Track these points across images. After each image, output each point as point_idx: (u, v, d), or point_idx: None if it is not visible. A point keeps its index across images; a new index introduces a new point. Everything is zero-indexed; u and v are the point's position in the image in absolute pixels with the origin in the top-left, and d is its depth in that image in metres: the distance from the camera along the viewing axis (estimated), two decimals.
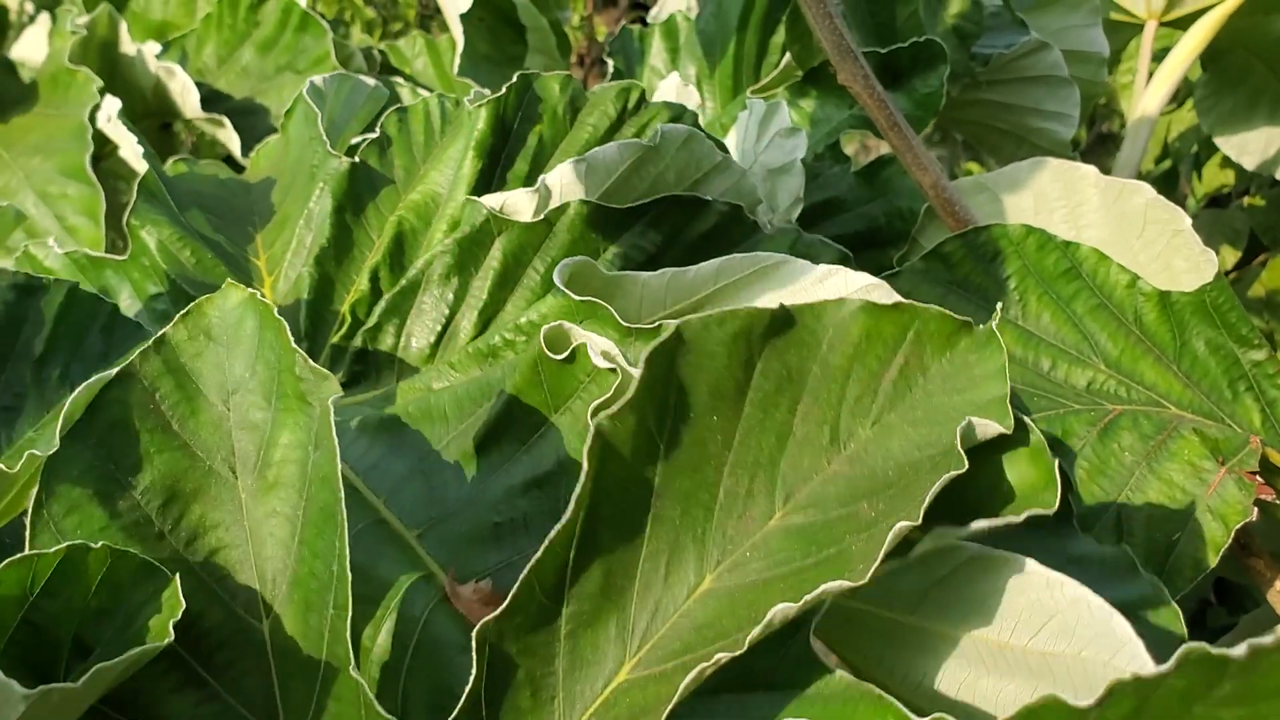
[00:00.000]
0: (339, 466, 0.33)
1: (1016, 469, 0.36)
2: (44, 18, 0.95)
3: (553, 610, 0.34)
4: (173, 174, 0.70)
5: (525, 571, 0.33)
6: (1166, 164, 1.24)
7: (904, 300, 0.37)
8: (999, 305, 0.39)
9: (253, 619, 0.34)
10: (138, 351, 0.35)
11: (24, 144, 0.73)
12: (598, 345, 0.43)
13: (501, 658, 0.33)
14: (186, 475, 0.34)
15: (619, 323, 0.50)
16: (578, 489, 0.33)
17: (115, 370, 0.34)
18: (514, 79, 0.63)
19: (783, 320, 0.36)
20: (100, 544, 0.31)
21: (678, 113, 0.64)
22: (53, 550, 0.30)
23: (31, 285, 0.41)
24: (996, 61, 0.78)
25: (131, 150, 0.66)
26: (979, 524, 0.34)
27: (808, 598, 0.31)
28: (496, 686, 0.33)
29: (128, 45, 0.82)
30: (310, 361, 0.34)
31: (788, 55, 0.77)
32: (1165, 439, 0.59)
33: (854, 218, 0.74)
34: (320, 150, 0.64)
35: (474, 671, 0.33)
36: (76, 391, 0.33)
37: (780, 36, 0.82)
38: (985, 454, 0.36)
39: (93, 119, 0.71)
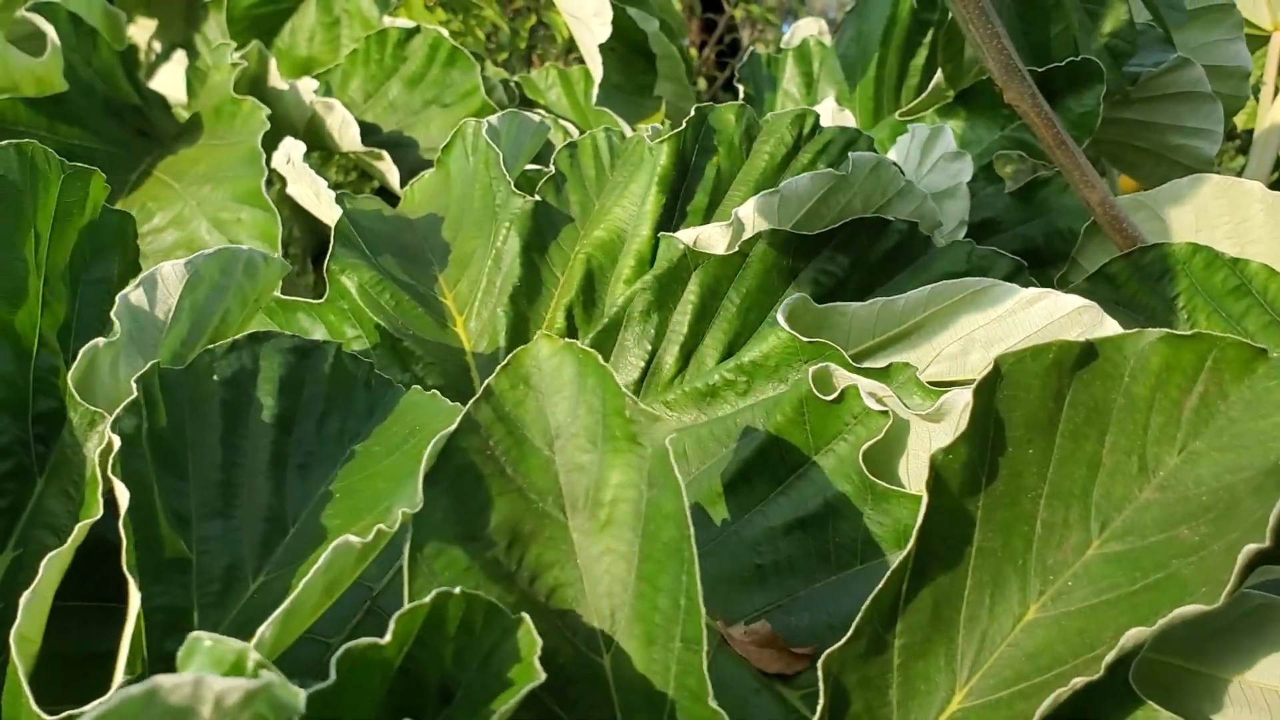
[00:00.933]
0: (685, 504, 0.34)
1: None
2: (179, 55, 0.98)
3: (886, 641, 0.35)
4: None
5: (868, 602, 0.34)
6: (1275, 175, 1.24)
7: (1201, 330, 0.37)
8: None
9: (593, 654, 0.35)
10: (470, 402, 0.36)
11: (193, 174, 0.75)
12: (867, 387, 0.44)
13: (841, 689, 0.34)
14: (524, 517, 0.35)
15: (848, 361, 0.51)
16: (919, 520, 0.34)
17: (458, 420, 0.35)
18: (691, 112, 0.64)
19: (1088, 353, 0.37)
20: (459, 589, 0.32)
21: (852, 138, 0.65)
22: (428, 599, 0.31)
23: (305, 347, 0.42)
24: (1141, 78, 0.78)
25: (312, 192, 0.67)
26: None
27: (1162, 621, 0.32)
28: (837, 718, 0.34)
29: (277, 80, 0.84)
30: (640, 404, 0.36)
31: (937, 76, 0.77)
32: None
33: (1011, 238, 0.74)
34: (503, 189, 0.66)
35: (821, 703, 0.34)
36: (432, 444, 0.34)
37: (920, 59, 0.83)
38: None
39: (266, 148, 0.72)
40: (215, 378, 0.38)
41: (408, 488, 0.35)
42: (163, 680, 0.23)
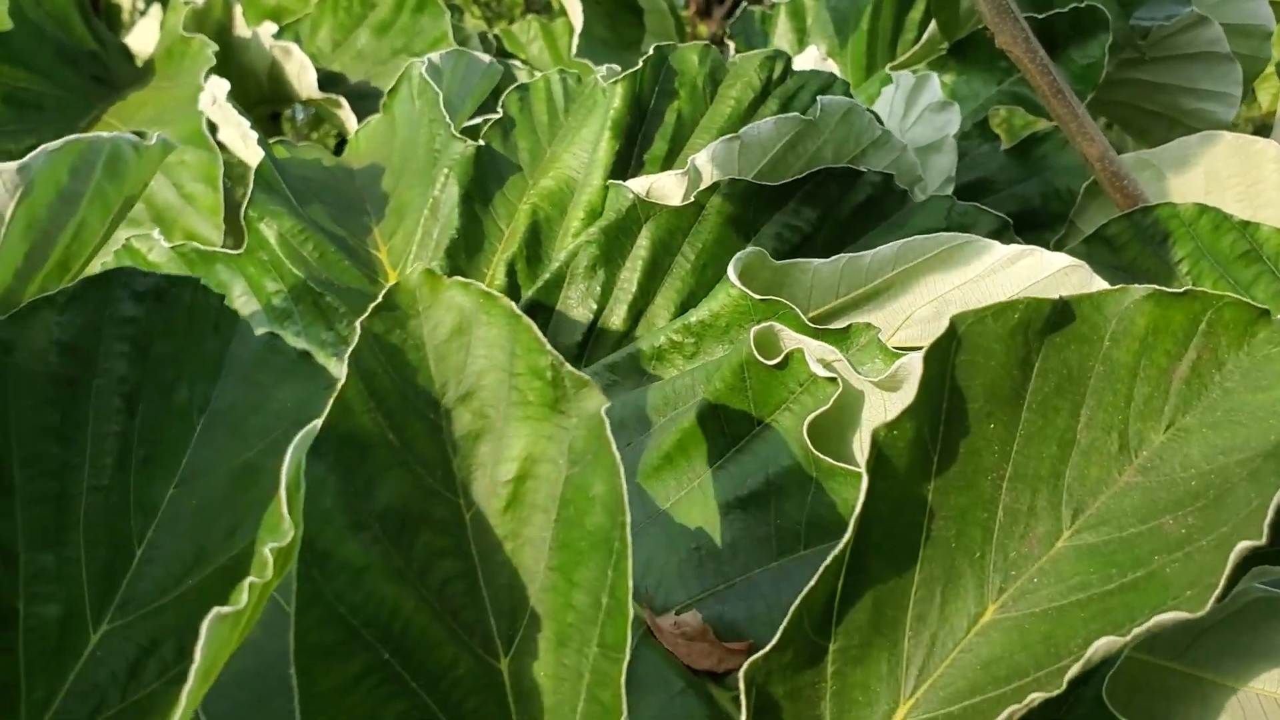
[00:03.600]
0: (622, 485, 0.29)
1: None
2: (155, 10, 0.93)
3: (819, 646, 0.30)
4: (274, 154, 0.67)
5: (796, 604, 0.30)
6: None
7: (1194, 288, 0.32)
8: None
9: (490, 658, 0.30)
10: (350, 348, 0.31)
11: (140, 118, 0.71)
12: (815, 351, 0.39)
13: (767, 701, 0.30)
14: (411, 495, 0.31)
15: (803, 322, 0.47)
16: (858, 508, 0.29)
17: (347, 363, 0.30)
18: (649, 52, 0.59)
19: (1062, 312, 0.32)
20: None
21: (827, 82, 0.60)
22: None
23: (159, 289, 0.34)
24: (1154, 36, 0.73)
25: (239, 135, 0.63)
26: None
27: (1137, 630, 0.27)
28: None
29: (242, 28, 0.80)
30: (567, 365, 0.31)
31: (929, 29, 0.72)
32: None
33: (1006, 199, 0.69)
34: (442, 133, 0.61)
35: (744, 714, 0.29)
36: (298, 439, 0.26)
37: (918, 12, 0.78)
38: None
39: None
40: (52, 339, 0.32)
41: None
42: None
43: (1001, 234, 0.59)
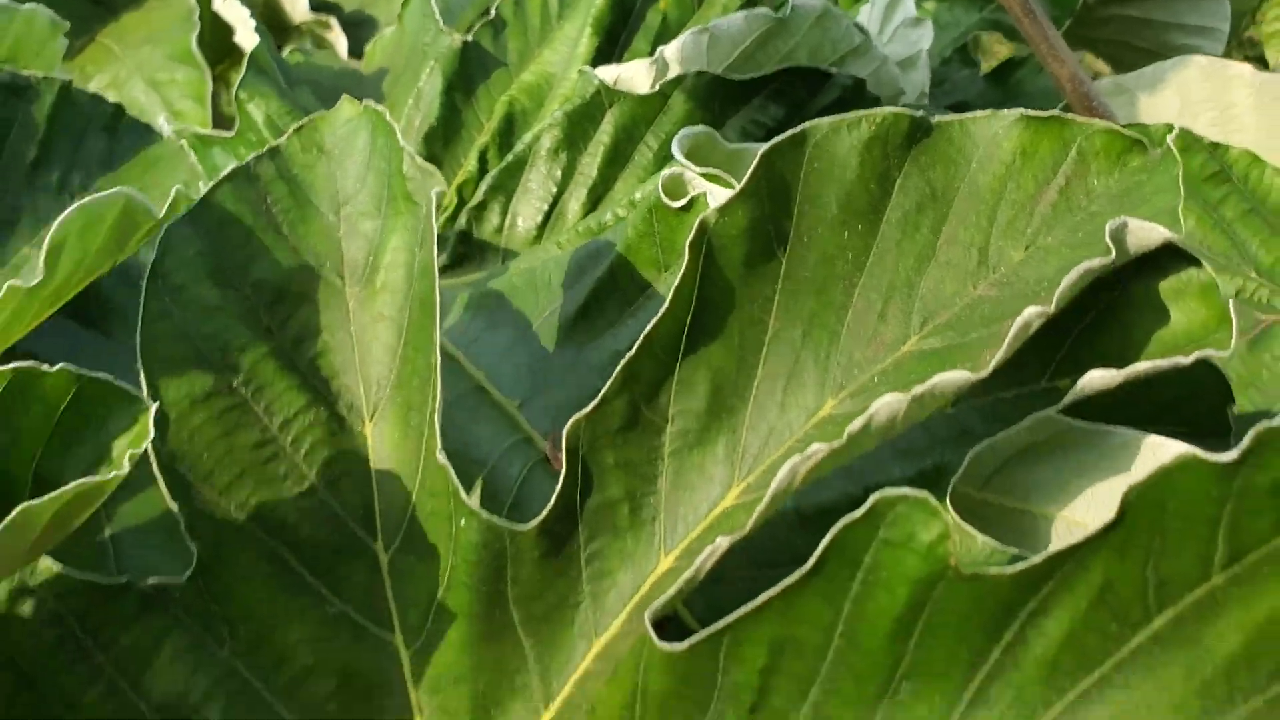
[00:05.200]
0: (435, 255, 0.31)
1: (1183, 309, 0.32)
2: None
3: (653, 423, 0.32)
4: (288, 61, 0.71)
5: (619, 369, 0.31)
6: None
7: (1064, 114, 0.33)
8: (1175, 125, 0.36)
9: (355, 421, 0.33)
10: (251, 156, 0.34)
11: (134, 37, 0.74)
12: (720, 196, 0.41)
13: (597, 468, 0.32)
14: (295, 277, 0.33)
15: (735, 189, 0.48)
16: (675, 283, 0.31)
17: (230, 169, 0.33)
18: None
19: (924, 130, 0.33)
20: (59, 367, 0.27)
21: None
22: None
23: (17, 85, 0.38)
24: None
25: (245, 31, 0.66)
26: (1140, 366, 0.30)
27: (918, 389, 0.28)
28: (590, 498, 0.32)
29: None
30: (418, 159, 0.33)
31: None
32: None
33: None
34: (432, 28, 0.64)
35: (564, 472, 0.31)
36: (69, 210, 0.29)
37: None
38: (1144, 295, 0.33)
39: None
40: None
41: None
42: None
43: None
